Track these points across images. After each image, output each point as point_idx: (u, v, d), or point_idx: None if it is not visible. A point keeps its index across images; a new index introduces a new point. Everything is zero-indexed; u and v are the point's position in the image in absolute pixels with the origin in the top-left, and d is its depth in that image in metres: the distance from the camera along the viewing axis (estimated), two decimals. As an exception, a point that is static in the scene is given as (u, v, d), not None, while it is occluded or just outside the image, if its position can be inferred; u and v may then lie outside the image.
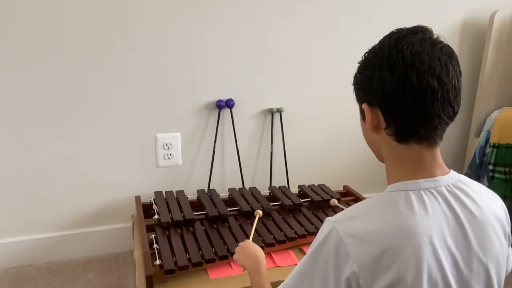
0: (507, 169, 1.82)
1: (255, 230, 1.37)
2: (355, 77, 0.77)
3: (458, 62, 0.71)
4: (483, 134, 1.96)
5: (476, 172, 1.95)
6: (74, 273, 1.64)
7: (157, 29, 1.59)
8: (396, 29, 0.73)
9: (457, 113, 0.72)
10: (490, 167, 1.86)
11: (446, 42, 0.71)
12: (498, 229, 0.73)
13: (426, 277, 0.66)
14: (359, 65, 0.76)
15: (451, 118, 0.71)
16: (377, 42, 0.75)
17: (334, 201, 1.67)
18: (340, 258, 0.67)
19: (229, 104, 1.74)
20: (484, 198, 0.74)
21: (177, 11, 1.60)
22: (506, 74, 2.04)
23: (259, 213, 1.43)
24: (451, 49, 0.71)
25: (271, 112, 1.83)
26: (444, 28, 1.97)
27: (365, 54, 0.75)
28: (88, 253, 1.74)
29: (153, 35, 1.60)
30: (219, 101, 1.73)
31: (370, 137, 0.78)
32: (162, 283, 1.24)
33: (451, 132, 2.18)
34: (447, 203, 0.70)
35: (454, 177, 0.74)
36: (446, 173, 0.74)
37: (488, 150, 1.89)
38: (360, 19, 1.83)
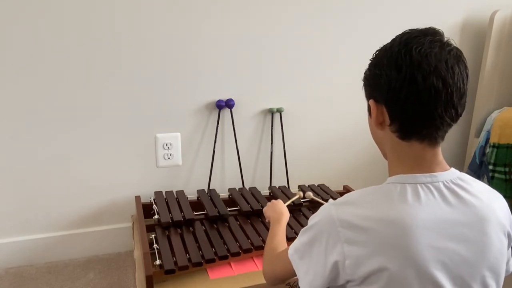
0: (507, 169, 1.82)
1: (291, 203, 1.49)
2: (365, 73, 0.79)
3: (466, 65, 0.72)
4: (483, 134, 1.96)
5: (476, 172, 1.95)
6: (74, 273, 1.64)
7: (157, 29, 1.59)
8: (408, 30, 0.75)
9: (461, 115, 0.73)
10: (490, 167, 1.86)
11: (455, 45, 0.73)
12: (497, 226, 0.74)
13: (414, 267, 0.67)
14: (369, 62, 0.78)
15: (454, 120, 0.73)
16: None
17: (309, 194, 1.66)
18: (332, 239, 0.71)
19: (229, 104, 1.74)
20: (484, 196, 0.75)
21: (177, 10, 1.60)
22: (506, 74, 2.04)
23: (300, 194, 1.53)
24: (460, 52, 0.72)
25: (271, 112, 1.83)
26: (444, 28, 1.93)
27: (376, 52, 0.77)
28: (88, 253, 1.74)
29: (153, 34, 1.59)
30: (219, 101, 1.73)
31: (376, 133, 0.81)
32: (162, 283, 1.24)
33: (451, 132, 2.16)
34: (443, 198, 0.71)
35: (453, 174, 0.75)
36: (446, 170, 0.75)
37: (488, 150, 1.89)
38: (360, 20, 1.82)
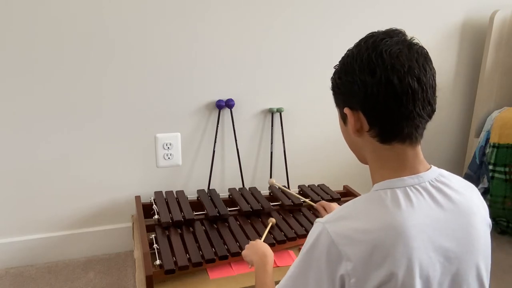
0: (507, 169, 1.82)
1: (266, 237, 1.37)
2: (334, 82, 0.78)
3: (431, 61, 0.73)
4: (483, 134, 1.96)
5: (476, 172, 1.95)
6: (74, 273, 1.64)
7: (157, 29, 1.59)
8: (370, 33, 0.74)
9: (435, 110, 0.74)
10: (490, 167, 1.86)
11: (420, 43, 0.74)
12: (481, 218, 0.75)
13: (417, 271, 0.67)
14: (336, 69, 0.77)
15: (430, 116, 0.74)
16: None
17: (271, 181, 1.59)
18: (332, 259, 0.68)
19: (229, 104, 1.74)
20: (465, 190, 0.76)
21: (178, 10, 1.60)
22: (506, 74, 2.04)
23: (272, 221, 1.43)
24: (425, 50, 0.73)
25: (271, 112, 1.83)
26: (444, 28, 1.97)
27: (342, 59, 0.76)
28: (88, 253, 1.74)
29: (153, 35, 1.60)
30: (219, 101, 1.73)
31: (352, 140, 0.80)
32: (162, 283, 1.24)
33: (451, 132, 2.18)
34: (432, 198, 0.72)
35: (435, 172, 0.76)
36: (428, 169, 0.75)
37: (488, 150, 1.89)
38: (360, 19, 1.83)
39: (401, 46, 0.70)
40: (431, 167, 0.76)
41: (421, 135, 0.75)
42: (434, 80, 0.72)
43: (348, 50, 0.76)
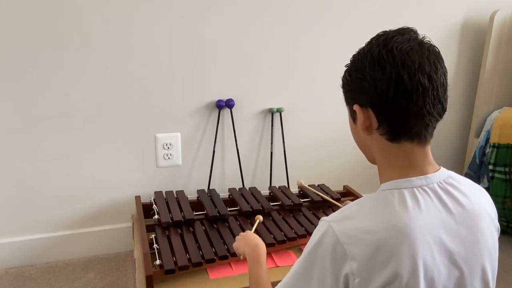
0: (507, 169, 1.82)
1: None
2: (344, 79, 0.78)
3: (443, 60, 0.73)
4: (483, 134, 1.96)
5: (476, 172, 1.95)
6: (74, 273, 1.64)
7: (157, 29, 1.59)
8: (382, 32, 0.74)
9: (446, 109, 0.74)
10: (490, 167, 1.86)
11: (432, 42, 0.73)
12: (489, 222, 0.75)
13: (422, 273, 0.66)
14: (347, 68, 0.78)
15: (441, 115, 0.73)
16: None
17: (300, 182, 1.61)
18: (337, 258, 0.68)
19: (229, 104, 1.74)
20: (473, 193, 0.75)
21: (177, 10, 1.60)
22: (506, 74, 2.04)
23: (259, 218, 1.41)
24: (437, 48, 0.73)
25: (271, 112, 1.83)
26: (444, 28, 1.97)
27: (353, 57, 0.77)
28: (88, 253, 1.74)
29: (153, 34, 1.60)
30: (219, 101, 1.73)
31: (361, 138, 0.80)
32: (162, 283, 1.24)
33: (451, 132, 2.18)
34: (440, 200, 0.71)
35: (444, 173, 0.75)
36: (437, 170, 0.75)
37: (488, 150, 1.89)
38: (361, 20, 1.83)
39: (412, 44, 0.70)
40: (440, 168, 0.75)
41: (431, 134, 0.74)
42: (446, 78, 0.72)
43: (359, 49, 0.76)
